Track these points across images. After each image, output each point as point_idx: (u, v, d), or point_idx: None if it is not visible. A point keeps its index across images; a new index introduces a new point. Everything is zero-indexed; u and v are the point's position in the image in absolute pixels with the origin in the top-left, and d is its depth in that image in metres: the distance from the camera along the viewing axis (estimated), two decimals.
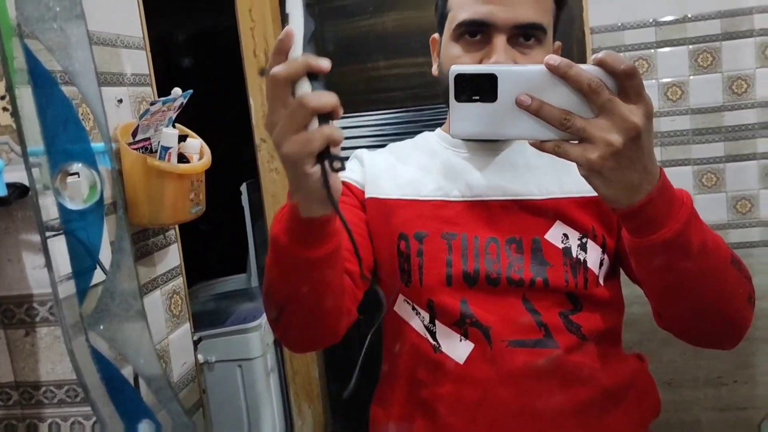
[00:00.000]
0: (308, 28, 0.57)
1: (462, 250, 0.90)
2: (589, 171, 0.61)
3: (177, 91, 1.12)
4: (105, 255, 1.00)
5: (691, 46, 1.73)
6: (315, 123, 0.56)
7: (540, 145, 0.61)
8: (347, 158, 0.75)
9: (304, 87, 0.56)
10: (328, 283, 0.75)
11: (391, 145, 1.07)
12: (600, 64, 0.58)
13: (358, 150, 1.07)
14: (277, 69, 0.56)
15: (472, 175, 0.93)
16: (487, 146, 0.96)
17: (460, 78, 0.61)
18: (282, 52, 0.57)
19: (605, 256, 0.91)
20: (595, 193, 0.91)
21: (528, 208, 0.91)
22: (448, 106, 0.91)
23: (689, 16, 1.72)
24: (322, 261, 0.70)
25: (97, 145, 1.01)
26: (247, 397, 1.84)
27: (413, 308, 0.92)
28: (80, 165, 0.90)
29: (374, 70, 1.73)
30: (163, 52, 1.68)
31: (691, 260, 0.66)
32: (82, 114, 1.02)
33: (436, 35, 0.99)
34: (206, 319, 1.92)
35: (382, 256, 0.96)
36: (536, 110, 0.59)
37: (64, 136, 0.91)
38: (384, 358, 1.01)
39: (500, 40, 0.84)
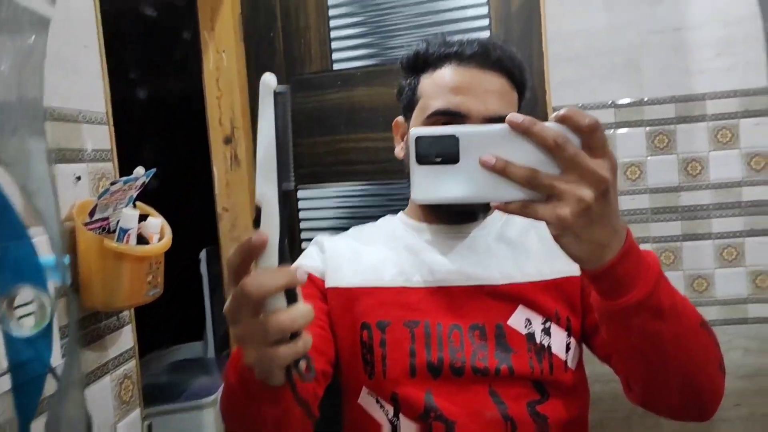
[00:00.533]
0: (285, 140, 0.51)
1: (425, 338, 0.89)
2: (560, 229, 0.59)
3: (140, 170, 1.09)
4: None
5: (648, 128, 1.79)
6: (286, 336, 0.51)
7: (505, 207, 0.59)
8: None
9: (278, 303, 0.51)
10: (287, 426, 0.68)
11: (354, 229, 1.06)
12: (563, 120, 0.57)
13: (319, 236, 1.05)
14: (249, 285, 0.49)
15: (434, 260, 0.93)
16: (450, 230, 0.96)
17: (421, 141, 0.59)
18: (251, 257, 0.51)
19: (571, 340, 0.90)
20: (555, 276, 0.93)
21: (490, 293, 0.90)
22: None
23: (645, 99, 1.78)
24: (279, 416, 0.65)
25: (47, 258, 0.96)
26: None
27: (377, 401, 0.90)
28: (28, 288, 0.85)
29: (343, 142, 1.74)
30: (125, 119, 1.65)
31: (663, 322, 0.65)
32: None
33: (400, 118, 1.00)
34: (159, 393, 1.84)
35: (344, 345, 0.94)
36: (501, 170, 0.57)
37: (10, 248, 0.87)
38: None
39: None
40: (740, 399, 1.71)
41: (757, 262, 1.75)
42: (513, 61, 0.92)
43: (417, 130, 0.60)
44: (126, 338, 1.21)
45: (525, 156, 0.57)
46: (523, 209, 0.58)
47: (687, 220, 1.78)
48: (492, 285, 0.91)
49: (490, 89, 0.89)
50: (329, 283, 0.96)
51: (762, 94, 1.72)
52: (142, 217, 1.14)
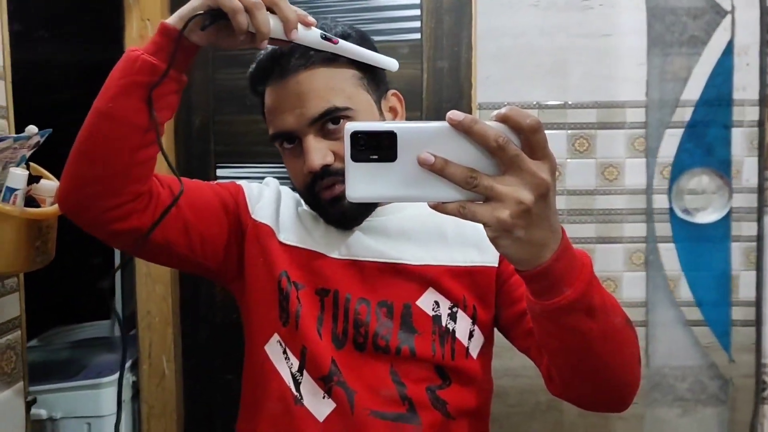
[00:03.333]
0: None
1: (333, 308, 0.88)
2: (498, 231, 0.57)
3: (32, 129, 1.03)
4: None
5: (569, 131, 1.84)
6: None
7: (442, 207, 0.57)
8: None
9: None
10: (161, 120, 0.79)
11: (289, 189, 1.03)
12: (504, 119, 0.55)
13: (272, 179, 1.04)
14: None
15: (351, 236, 0.92)
16: (367, 210, 0.94)
17: (357, 136, 0.56)
18: None
19: (475, 328, 0.91)
20: (468, 264, 0.94)
21: (402, 272, 0.90)
22: (316, 202, 0.91)
23: (569, 102, 1.82)
24: (172, 83, 0.78)
25: None
26: None
27: (284, 351, 0.89)
28: None
29: (263, 122, 1.71)
30: (35, 83, 1.56)
31: (594, 320, 0.65)
32: None
33: None
34: (58, 369, 1.75)
35: (258, 285, 0.92)
36: (440, 169, 0.55)
37: None
38: (243, 397, 0.96)
39: (307, 141, 0.86)
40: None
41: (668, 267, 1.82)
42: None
43: (353, 125, 0.57)
44: (12, 307, 1.15)
45: (465, 155, 0.55)
46: (461, 210, 0.56)
47: (601, 224, 1.84)
48: (405, 264, 0.90)
49: (306, 91, 0.85)
50: (257, 215, 0.94)
51: (681, 106, 1.79)
52: (35, 179, 1.08)
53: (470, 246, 0.92)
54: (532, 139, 0.55)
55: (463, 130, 0.55)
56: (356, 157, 0.56)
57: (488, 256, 0.92)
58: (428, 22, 1.64)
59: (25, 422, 1.20)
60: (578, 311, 0.64)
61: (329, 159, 0.85)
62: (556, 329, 0.67)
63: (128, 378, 1.78)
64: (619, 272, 1.82)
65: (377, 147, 0.56)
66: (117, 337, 2.02)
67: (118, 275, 1.99)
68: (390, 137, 0.55)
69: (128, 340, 2.01)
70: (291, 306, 0.88)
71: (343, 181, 0.85)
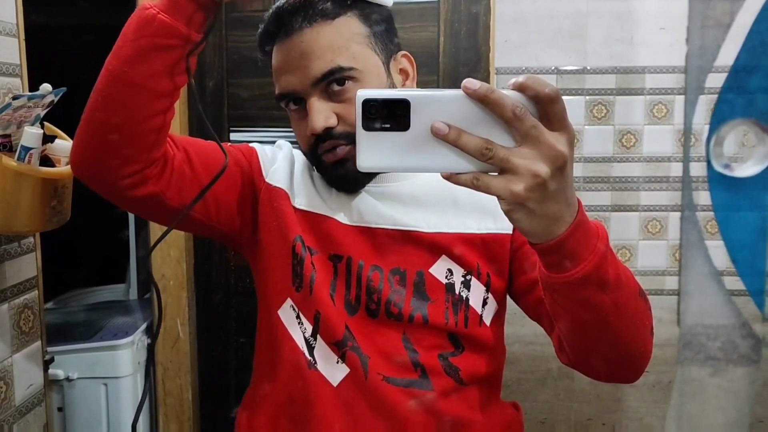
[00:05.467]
0: None
1: (346, 275, 0.88)
2: (512, 204, 0.56)
3: (46, 87, 1.02)
4: None
5: (587, 97, 1.80)
6: None
7: (456, 178, 0.55)
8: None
9: None
10: (174, 87, 0.77)
11: (296, 150, 1.02)
12: (521, 88, 0.53)
13: (284, 142, 1.02)
14: None
15: (363, 202, 0.91)
16: (380, 176, 0.93)
17: (369, 104, 0.54)
18: None
19: (489, 296, 0.90)
20: (482, 231, 0.93)
21: (415, 240, 0.89)
22: (318, 164, 0.90)
23: (588, 68, 1.79)
24: (189, 45, 0.75)
25: None
26: (110, 418, 1.71)
27: (297, 316, 0.88)
28: None
29: None
30: (49, 43, 1.55)
31: (607, 293, 0.64)
32: None
33: None
34: (74, 331, 1.78)
35: (272, 250, 0.91)
36: (454, 139, 0.53)
37: None
38: (256, 362, 0.96)
39: (312, 102, 0.84)
40: (649, 367, 1.77)
41: (677, 237, 1.80)
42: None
43: (364, 92, 0.55)
44: (29, 266, 1.16)
45: (479, 125, 0.53)
46: (474, 182, 0.55)
47: (617, 191, 1.82)
48: (418, 231, 0.89)
49: (310, 51, 0.83)
50: (271, 179, 0.93)
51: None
52: (50, 139, 1.08)
53: (484, 213, 0.91)
54: (550, 110, 0.53)
55: (479, 99, 0.53)
56: (368, 126, 0.54)
57: (502, 223, 0.90)
58: None
59: (43, 381, 1.21)
60: (591, 285, 0.62)
61: (332, 121, 0.83)
62: (568, 302, 0.66)
63: (143, 340, 1.80)
64: (635, 241, 1.81)
65: (390, 116, 0.54)
66: (132, 301, 2.04)
67: (132, 239, 2.01)
68: (403, 105, 0.54)
69: (143, 304, 2.03)
70: (305, 271, 0.87)
71: (345, 144, 0.84)
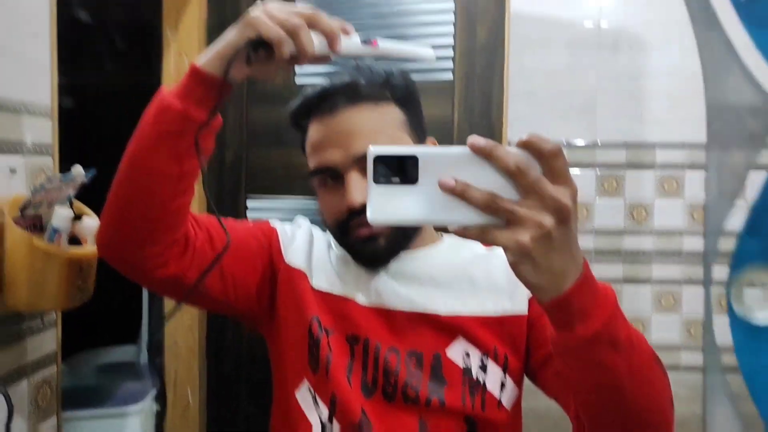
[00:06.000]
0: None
1: (363, 356, 0.88)
2: (518, 256, 0.57)
3: (78, 170, 1.05)
4: None
5: (598, 171, 1.83)
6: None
7: (463, 231, 0.57)
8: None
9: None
10: (191, 169, 0.79)
11: (315, 227, 1.04)
12: (525, 145, 0.55)
13: (303, 219, 1.05)
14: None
15: (381, 281, 0.92)
16: (398, 256, 0.95)
17: (379, 160, 0.57)
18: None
19: (507, 378, 0.90)
20: (499, 314, 0.94)
21: (432, 321, 0.90)
22: (345, 239, 0.92)
23: (599, 142, 1.83)
24: (202, 127, 0.76)
25: None
26: None
27: (314, 399, 0.88)
28: None
29: (298, 156, 1.75)
30: (75, 110, 1.59)
31: (620, 354, 0.63)
32: None
33: None
34: (85, 396, 1.76)
35: (290, 332, 0.92)
36: (461, 192, 0.55)
37: None
38: None
39: (352, 176, 0.86)
40: None
41: (693, 311, 1.80)
42: (377, 84, 0.90)
43: (376, 149, 0.58)
44: (49, 342, 1.16)
45: (485, 180, 0.56)
46: (481, 234, 0.57)
47: (628, 264, 1.83)
48: (435, 314, 0.90)
49: (353, 130, 0.87)
50: (290, 260, 0.95)
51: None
52: (78, 217, 1.10)
53: (501, 292, 0.92)
54: (552, 165, 0.55)
55: (484, 155, 0.55)
56: (378, 180, 0.57)
57: (519, 305, 0.91)
58: (461, 64, 1.65)
59: None
60: (602, 343, 0.62)
61: None
62: (580, 364, 0.65)
63: (152, 407, 1.78)
64: (648, 314, 1.81)
65: (399, 170, 0.57)
66: (143, 364, 2.03)
67: (145, 299, 2.01)
68: (412, 161, 0.57)
69: (153, 368, 2.02)
70: (321, 352, 0.88)
71: None
